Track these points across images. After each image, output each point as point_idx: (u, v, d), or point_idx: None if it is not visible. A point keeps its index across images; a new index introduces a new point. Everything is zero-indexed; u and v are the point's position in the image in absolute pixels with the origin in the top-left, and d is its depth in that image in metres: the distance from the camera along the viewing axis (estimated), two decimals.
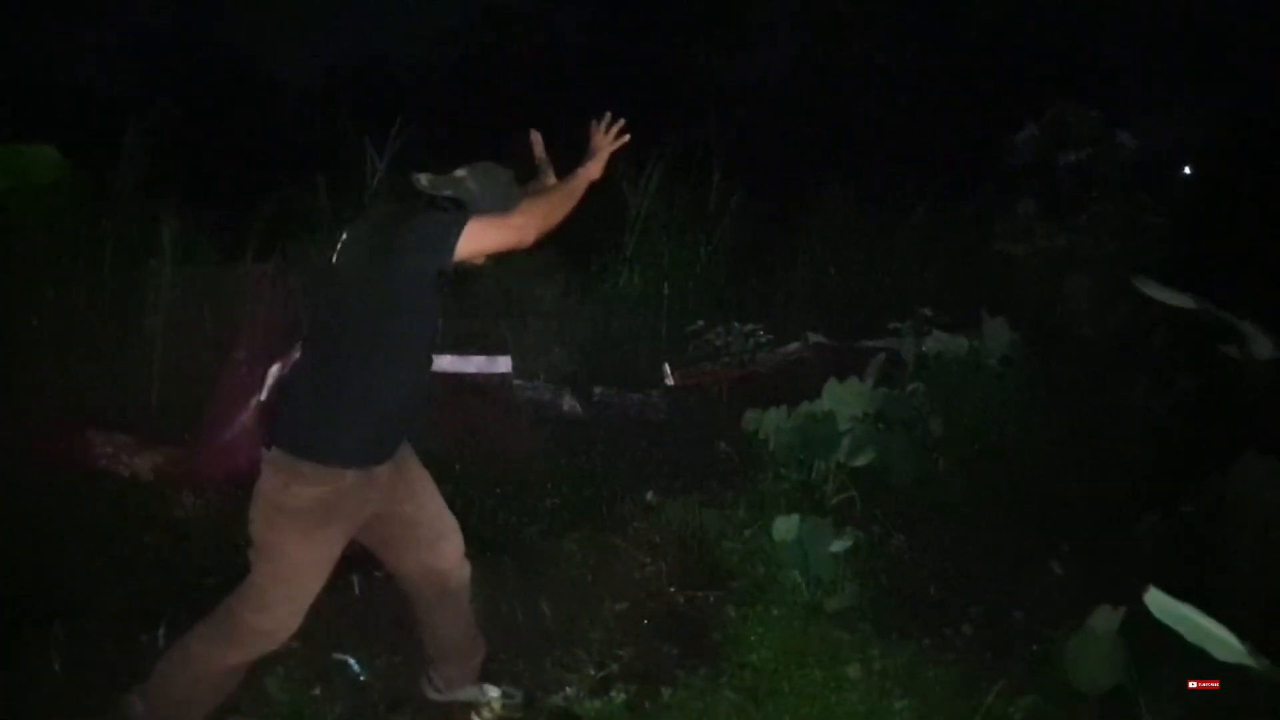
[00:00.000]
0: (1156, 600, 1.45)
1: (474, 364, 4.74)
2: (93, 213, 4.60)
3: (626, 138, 2.44)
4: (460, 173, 2.32)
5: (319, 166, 5.02)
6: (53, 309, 4.36)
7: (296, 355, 2.31)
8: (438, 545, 2.52)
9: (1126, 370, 5.46)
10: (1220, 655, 1.42)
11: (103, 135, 4.90)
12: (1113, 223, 6.06)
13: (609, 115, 2.45)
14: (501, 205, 2.28)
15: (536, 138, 2.60)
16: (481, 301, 5.17)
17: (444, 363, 4.70)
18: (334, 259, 2.27)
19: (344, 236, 2.30)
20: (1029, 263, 6.14)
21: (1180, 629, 1.45)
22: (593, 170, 2.39)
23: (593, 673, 3.06)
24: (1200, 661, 2.60)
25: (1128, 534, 4.06)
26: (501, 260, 5.42)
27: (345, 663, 2.93)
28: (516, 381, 4.94)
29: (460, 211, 2.23)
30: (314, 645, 2.95)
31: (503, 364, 4.82)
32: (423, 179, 2.30)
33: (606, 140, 2.43)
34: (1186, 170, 7.53)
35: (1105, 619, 2.85)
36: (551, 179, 2.57)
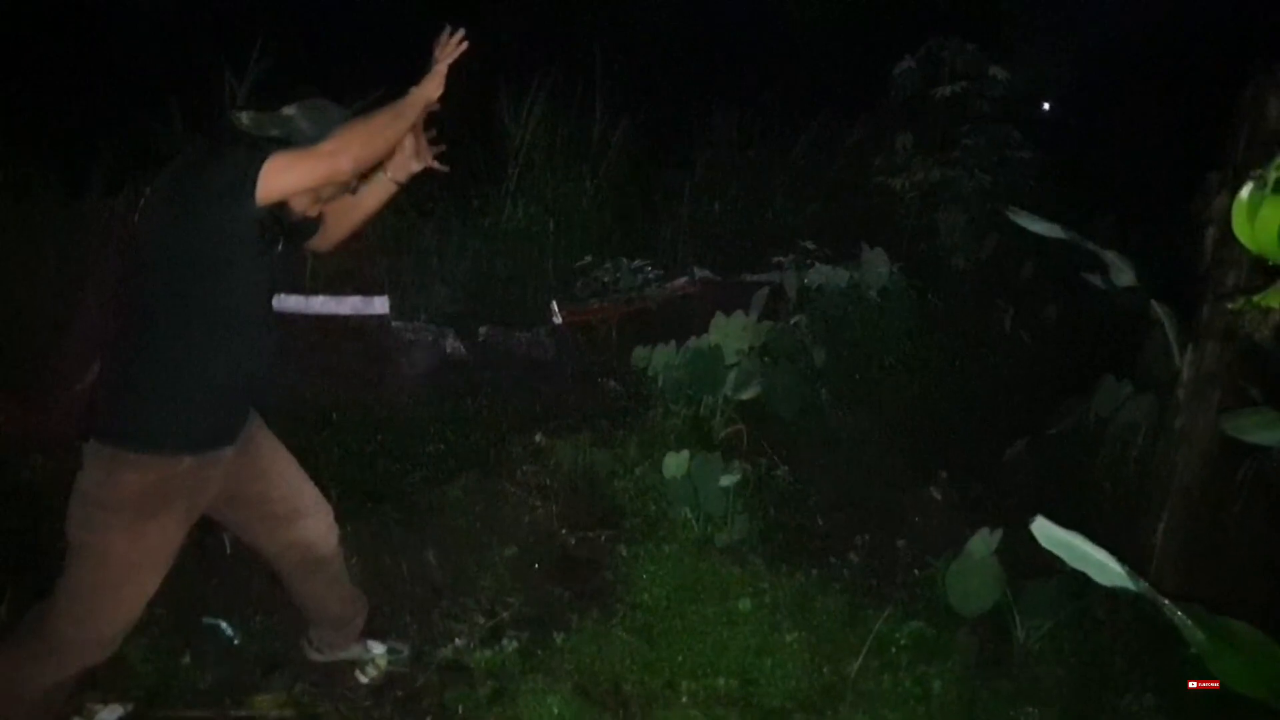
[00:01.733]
0: (1042, 528, 1.47)
1: (349, 305, 4.49)
2: None
3: (465, 45, 2.08)
4: (289, 110, 2.00)
5: (173, 92, 4.56)
6: None
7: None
8: (296, 523, 2.32)
9: (998, 300, 5.69)
10: (1100, 579, 1.45)
11: None
12: (985, 156, 6.22)
13: (449, 28, 2.10)
14: None
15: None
16: (355, 238, 4.87)
17: (316, 304, 4.45)
18: (137, 217, 1.95)
19: (146, 191, 1.99)
20: (906, 195, 6.26)
21: (1062, 554, 1.47)
22: (428, 88, 2.03)
23: (482, 621, 2.99)
24: (1072, 581, 2.78)
25: (1001, 458, 4.26)
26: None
27: (216, 626, 2.76)
28: (395, 323, 4.71)
29: (265, 150, 1.91)
30: (181, 610, 2.76)
31: (380, 304, 4.58)
32: (244, 118, 1.97)
33: (445, 53, 2.07)
34: (1045, 106, 7.81)
35: (982, 543, 2.96)
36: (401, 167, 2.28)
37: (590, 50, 6.39)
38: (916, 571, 3.28)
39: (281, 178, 1.84)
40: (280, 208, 1.96)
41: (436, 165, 2.32)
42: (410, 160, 2.26)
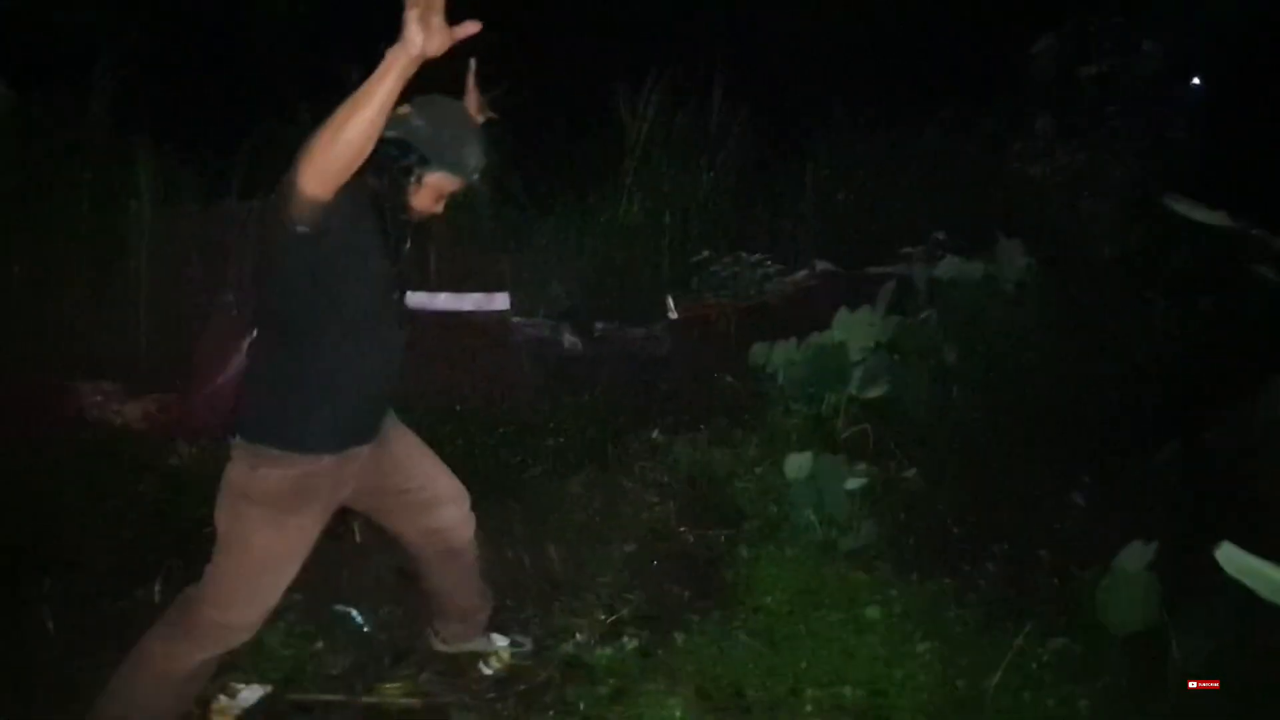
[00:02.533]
0: (1228, 555, 1.32)
1: (470, 301, 4.57)
2: (63, 149, 4.34)
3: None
4: (403, 109, 1.89)
5: (305, 95, 4.73)
6: (27, 254, 4.14)
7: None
8: (435, 510, 2.38)
9: (1147, 293, 5.29)
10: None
11: (72, 65, 4.60)
12: (1135, 139, 5.79)
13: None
14: (458, 143, 1.95)
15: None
16: (477, 236, 4.96)
17: (439, 301, 4.54)
18: (257, 225, 2.02)
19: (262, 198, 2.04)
20: (1047, 182, 5.89)
21: (1252, 584, 1.31)
22: (410, 39, 1.65)
23: (603, 618, 2.98)
24: (1233, 600, 2.54)
25: (1150, 463, 3.95)
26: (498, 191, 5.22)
27: (348, 614, 2.84)
28: (515, 318, 4.78)
29: (409, 154, 1.90)
30: (315, 597, 2.86)
31: (500, 300, 4.65)
32: None
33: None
34: (1195, 81, 7.20)
35: (1135, 556, 2.74)
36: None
37: (709, 39, 6.30)
38: (1059, 582, 3.06)
39: (305, 173, 1.72)
40: (402, 210, 1.96)
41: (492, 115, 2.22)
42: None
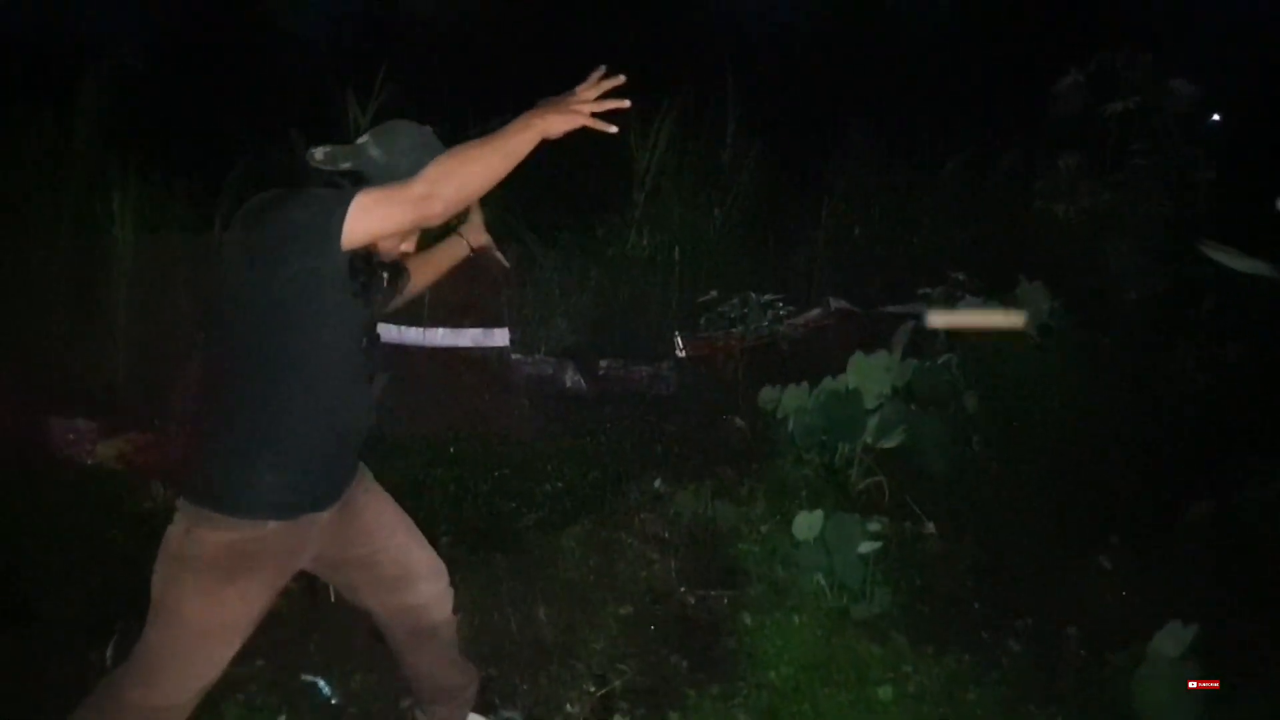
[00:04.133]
0: None
1: (469, 337, 4.39)
2: (42, 174, 4.19)
3: (622, 104, 1.71)
4: (362, 139, 1.80)
5: (298, 121, 4.59)
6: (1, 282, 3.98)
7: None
8: (406, 587, 2.10)
9: (1175, 339, 5.06)
10: None
11: (56, 85, 4.46)
12: (1161, 179, 5.58)
13: (603, 70, 1.74)
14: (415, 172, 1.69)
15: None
16: (476, 269, 4.77)
17: (437, 336, 4.36)
18: (218, 261, 1.78)
19: (224, 235, 1.84)
20: (1071, 222, 5.68)
21: None
22: (552, 120, 1.65)
23: (593, 690, 2.76)
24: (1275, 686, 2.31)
25: (1179, 524, 3.73)
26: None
27: (315, 685, 2.62)
28: (515, 355, 4.59)
29: (354, 188, 1.71)
30: (279, 665, 2.65)
31: (500, 336, 4.46)
32: (318, 153, 1.77)
33: (590, 92, 1.70)
34: (1215, 117, 6.99)
35: (1173, 641, 2.52)
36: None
37: (722, 69, 6.14)
38: (1088, 664, 2.82)
39: (366, 219, 1.60)
40: (370, 251, 1.77)
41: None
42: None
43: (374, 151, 1.76)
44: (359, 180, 1.73)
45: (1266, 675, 2.65)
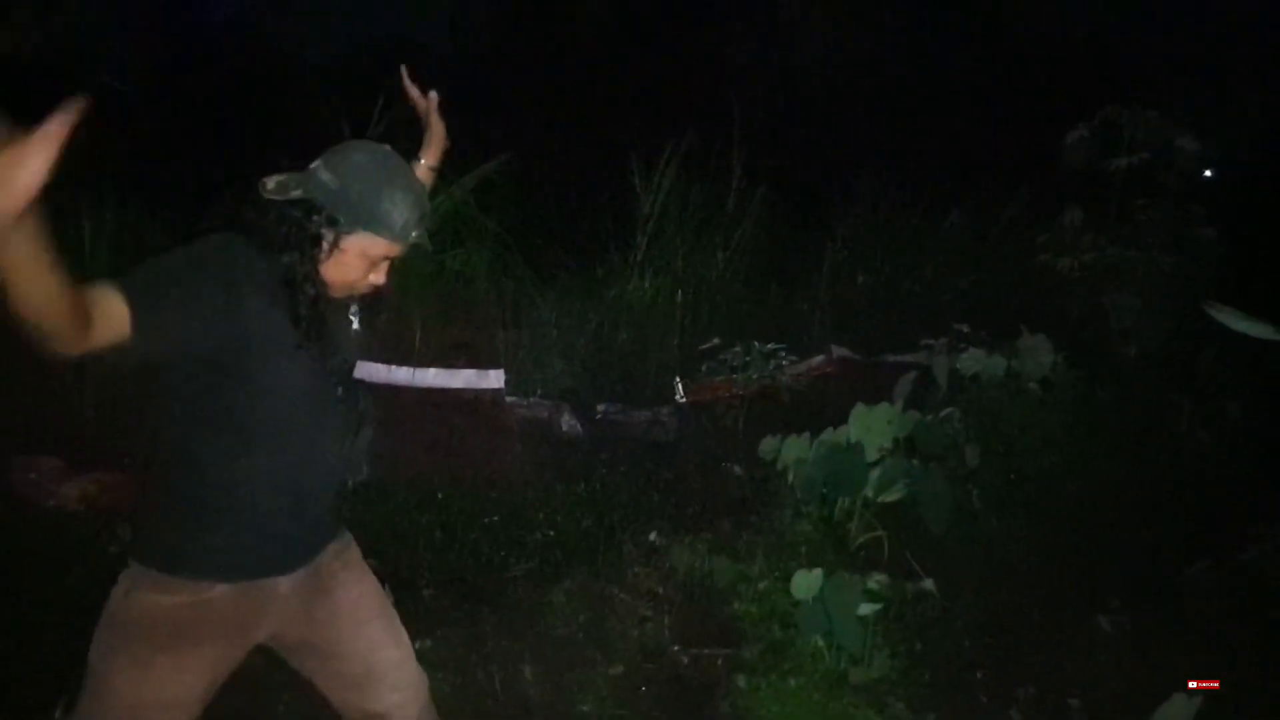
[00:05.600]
0: None
1: (462, 378, 4.31)
2: None
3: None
4: (315, 163, 1.62)
5: (286, 151, 4.51)
6: None
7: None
8: (368, 689, 1.83)
9: (1174, 395, 5.02)
10: None
11: (33, 105, 4.38)
12: (1164, 235, 5.56)
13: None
14: (373, 197, 1.57)
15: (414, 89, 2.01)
16: (472, 308, 4.70)
17: (428, 377, 4.28)
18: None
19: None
20: (1074, 276, 5.64)
21: None
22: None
23: None
24: None
25: (1180, 582, 3.66)
26: (494, 263, 4.99)
27: None
28: (510, 398, 4.50)
29: (313, 217, 1.56)
30: None
31: (495, 378, 4.38)
32: (269, 183, 1.59)
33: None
34: (1208, 173, 6.99)
35: (1178, 714, 2.41)
36: (433, 149, 2.05)
37: (727, 113, 6.14)
38: None
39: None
40: (315, 286, 1.59)
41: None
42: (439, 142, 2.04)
43: (325, 176, 1.58)
44: (311, 210, 1.57)
45: None
